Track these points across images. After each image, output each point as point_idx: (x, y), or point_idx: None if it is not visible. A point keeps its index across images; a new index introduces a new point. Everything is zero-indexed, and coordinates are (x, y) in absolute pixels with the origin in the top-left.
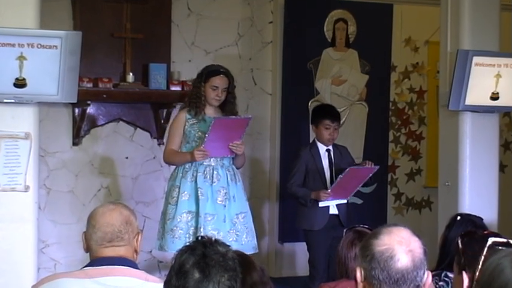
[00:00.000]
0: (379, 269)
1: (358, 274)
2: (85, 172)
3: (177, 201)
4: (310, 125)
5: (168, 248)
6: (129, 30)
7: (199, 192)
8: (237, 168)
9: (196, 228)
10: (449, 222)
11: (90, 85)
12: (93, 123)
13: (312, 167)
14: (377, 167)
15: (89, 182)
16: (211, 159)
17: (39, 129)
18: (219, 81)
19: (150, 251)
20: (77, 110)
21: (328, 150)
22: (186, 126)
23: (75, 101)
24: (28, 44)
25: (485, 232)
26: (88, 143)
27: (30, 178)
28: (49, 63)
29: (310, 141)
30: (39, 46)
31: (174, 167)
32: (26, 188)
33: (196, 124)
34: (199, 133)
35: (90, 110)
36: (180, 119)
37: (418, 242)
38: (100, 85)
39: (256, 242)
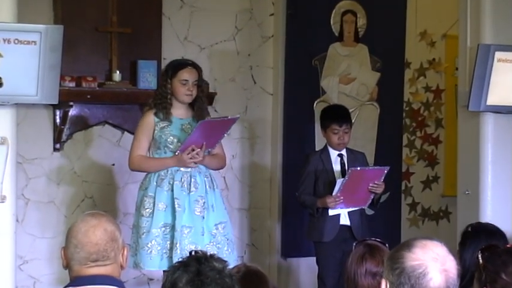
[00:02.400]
0: (409, 286)
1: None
2: (67, 181)
3: (152, 213)
4: (319, 130)
5: (145, 265)
6: (116, 24)
7: (176, 203)
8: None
9: (172, 243)
10: (462, 238)
11: (72, 84)
12: (76, 127)
13: (321, 172)
14: (387, 168)
15: (71, 192)
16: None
17: (17, 133)
18: (188, 74)
19: None
20: (58, 112)
21: (340, 155)
22: (156, 131)
23: (56, 102)
24: (4, 40)
25: (508, 246)
26: (70, 149)
27: (7, 187)
28: (27, 60)
29: (316, 144)
30: (16, 42)
31: (144, 174)
32: (2, 199)
33: (166, 128)
34: (171, 137)
35: (72, 112)
36: (149, 122)
37: (453, 262)
38: (84, 84)
39: (237, 254)
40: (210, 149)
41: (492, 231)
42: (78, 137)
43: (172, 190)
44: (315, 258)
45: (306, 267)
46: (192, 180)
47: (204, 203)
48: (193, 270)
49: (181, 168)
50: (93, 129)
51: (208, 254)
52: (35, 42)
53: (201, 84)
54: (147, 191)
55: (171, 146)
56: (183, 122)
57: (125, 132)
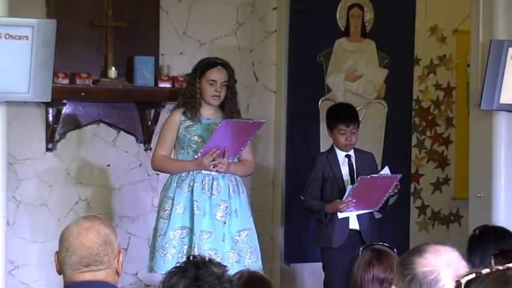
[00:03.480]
0: None
1: None
2: (60, 182)
3: (169, 215)
4: (324, 129)
5: (159, 269)
6: (111, 18)
7: (195, 206)
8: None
9: (190, 247)
10: (469, 243)
11: (66, 81)
12: (69, 126)
13: (329, 175)
14: (399, 176)
15: (65, 194)
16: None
17: (7, 132)
18: (217, 74)
19: (136, 273)
20: (50, 111)
21: (348, 156)
22: (181, 130)
23: (49, 99)
24: None
25: None
26: (64, 149)
27: None
28: (19, 56)
29: (321, 145)
30: (7, 36)
31: (167, 176)
32: None
33: (192, 127)
34: (196, 137)
35: (66, 110)
36: (174, 121)
37: (466, 268)
38: (78, 81)
39: (261, 264)
40: (233, 158)
41: (501, 233)
42: (71, 136)
43: (192, 192)
44: (319, 263)
45: (310, 273)
46: (214, 183)
47: (226, 207)
48: (191, 275)
49: (203, 170)
50: (88, 128)
51: (207, 258)
52: (26, 37)
53: (231, 85)
54: (167, 192)
55: (195, 146)
56: (210, 122)
57: (121, 132)
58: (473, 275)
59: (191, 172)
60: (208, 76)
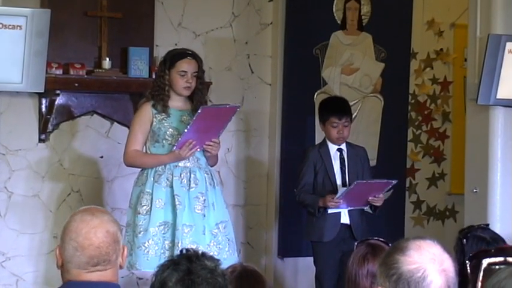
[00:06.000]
0: None
1: None
2: (53, 173)
3: (149, 211)
4: (318, 123)
5: (141, 266)
6: (106, 8)
7: (176, 200)
8: (211, 167)
9: (173, 242)
10: (456, 245)
11: (59, 72)
12: (62, 117)
13: (320, 168)
14: (395, 181)
15: (57, 185)
16: (189, 160)
17: (0, 123)
18: (187, 65)
19: None
20: (44, 101)
21: (340, 150)
22: (155, 123)
23: (42, 90)
24: None
25: (499, 247)
26: (57, 140)
27: None
28: (12, 46)
29: (316, 138)
30: (0, 26)
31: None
32: None
33: (166, 119)
34: (171, 130)
35: (59, 101)
36: (146, 114)
37: (450, 260)
38: (71, 72)
39: (237, 256)
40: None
41: (488, 240)
42: (64, 127)
43: (171, 186)
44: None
45: (304, 268)
46: (192, 175)
47: (204, 200)
48: (183, 269)
49: (180, 164)
50: (81, 119)
51: (200, 252)
52: (20, 26)
53: (201, 75)
54: (144, 187)
55: (170, 139)
56: (182, 113)
57: (114, 123)
58: (501, 258)
59: (168, 166)
60: (178, 67)
